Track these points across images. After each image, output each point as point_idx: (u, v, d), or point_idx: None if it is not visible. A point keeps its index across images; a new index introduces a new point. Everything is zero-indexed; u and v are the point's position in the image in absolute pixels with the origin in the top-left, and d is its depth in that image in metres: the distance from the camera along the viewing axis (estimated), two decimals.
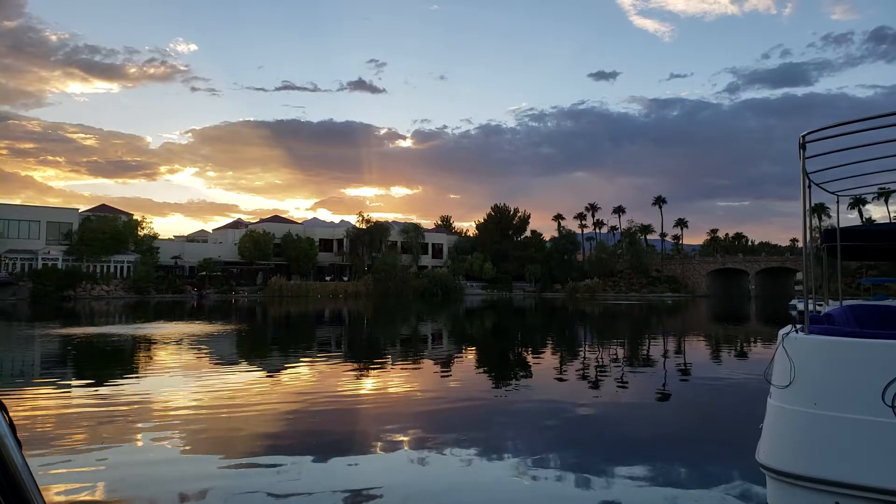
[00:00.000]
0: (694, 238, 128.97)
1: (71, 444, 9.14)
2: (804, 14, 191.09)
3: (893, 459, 3.85)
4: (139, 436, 9.72)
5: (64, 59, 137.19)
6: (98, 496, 6.96)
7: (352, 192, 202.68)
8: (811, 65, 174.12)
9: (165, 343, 24.25)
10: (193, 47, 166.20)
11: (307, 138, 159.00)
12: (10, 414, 1.02)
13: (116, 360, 19.90)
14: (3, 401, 1.00)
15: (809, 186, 5.39)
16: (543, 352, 24.79)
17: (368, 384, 15.23)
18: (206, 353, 21.48)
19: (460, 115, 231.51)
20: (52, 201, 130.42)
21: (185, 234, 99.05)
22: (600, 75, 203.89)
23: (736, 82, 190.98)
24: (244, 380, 15.55)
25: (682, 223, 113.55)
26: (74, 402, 12.61)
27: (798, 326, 4.61)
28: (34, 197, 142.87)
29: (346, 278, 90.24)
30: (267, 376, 16.38)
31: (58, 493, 6.87)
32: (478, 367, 19.74)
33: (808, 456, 4.17)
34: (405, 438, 9.80)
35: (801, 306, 5.74)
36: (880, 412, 3.89)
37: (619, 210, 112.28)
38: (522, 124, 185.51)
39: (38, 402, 12.36)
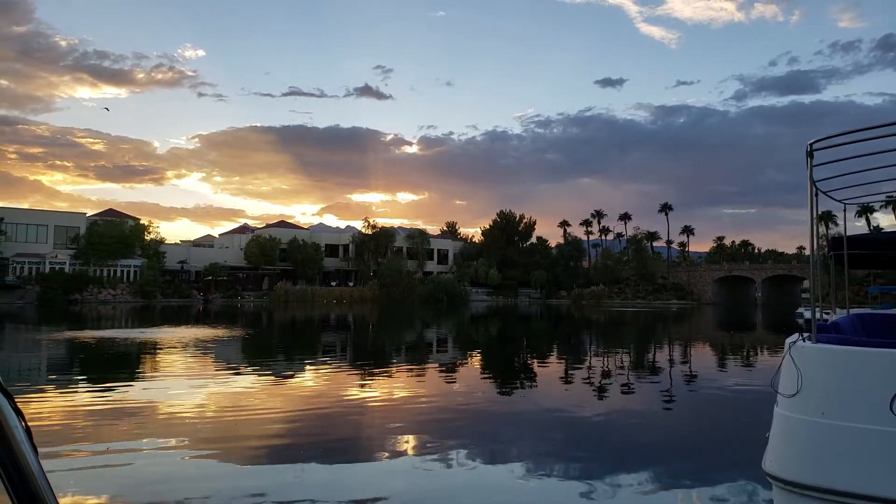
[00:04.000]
0: (700, 245, 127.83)
1: (77, 447, 9.17)
2: (811, 21, 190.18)
3: None
4: (145, 439, 9.73)
5: (73, 65, 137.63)
6: (104, 500, 6.97)
7: (358, 197, 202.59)
8: (819, 72, 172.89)
9: (171, 347, 24.31)
10: (201, 53, 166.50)
11: (314, 144, 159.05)
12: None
13: (123, 364, 19.96)
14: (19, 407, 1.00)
15: (816, 194, 5.37)
16: (549, 359, 24.75)
17: (374, 390, 15.23)
18: (211, 358, 21.53)
19: (466, 121, 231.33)
20: (60, 206, 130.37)
21: (192, 239, 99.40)
22: (607, 82, 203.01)
23: (743, 89, 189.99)
24: (250, 384, 15.57)
25: (688, 230, 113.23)
26: (81, 405, 12.65)
27: (805, 335, 4.59)
28: (42, 201, 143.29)
29: (351, 283, 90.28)
30: (272, 381, 16.39)
31: (65, 497, 6.89)
32: (483, 374, 19.72)
33: (814, 465, 4.16)
34: (410, 444, 9.80)
35: (807, 314, 5.72)
36: (887, 422, 3.87)
37: (625, 217, 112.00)
38: (528, 131, 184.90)
39: (45, 406, 12.40)
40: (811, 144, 4.81)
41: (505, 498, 7.35)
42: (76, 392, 14.33)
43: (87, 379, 16.80)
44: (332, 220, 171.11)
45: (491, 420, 11.89)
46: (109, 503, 6.90)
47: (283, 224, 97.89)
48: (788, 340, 4.63)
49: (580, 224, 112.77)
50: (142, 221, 79.73)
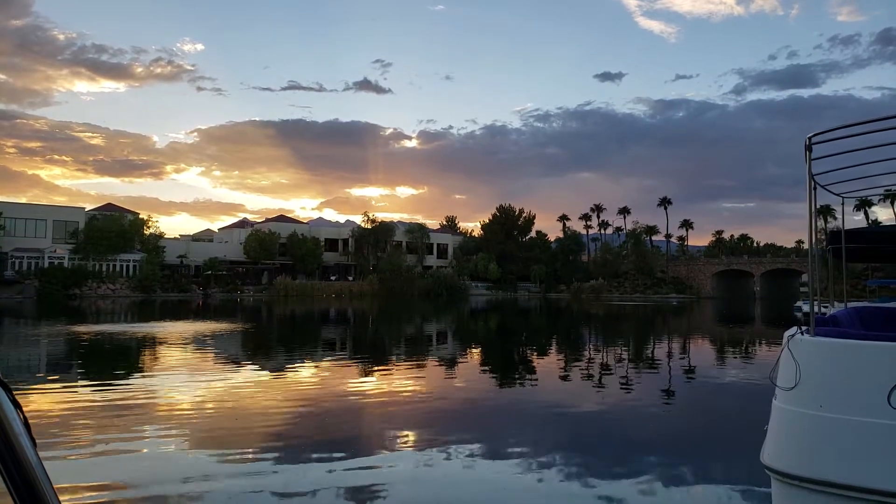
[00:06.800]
0: (699, 239, 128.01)
1: (76, 441, 9.18)
2: (811, 15, 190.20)
3: None
4: (144, 434, 9.75)
5: (71, 59, 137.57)
6: (102, 494, 6.99)
7: (357, 192, 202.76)
8: (818, 66, 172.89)
9: (171, 342, 24.33)
10: (200, 47, 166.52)
11: (313, 138, 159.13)
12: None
13: (122, 359, 19.97)
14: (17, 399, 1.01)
15: (815, 188, 5.37)
16: (548, 353, 24.78)
17: (373, 384, 15.25)
18: (211, 353, 21.54)
19: (466, 115, 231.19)
20: (59, 200, 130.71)
21: (191, 234, 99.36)
22: (606, 76, 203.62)
23: (742, 83, 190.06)
24: (249, 379, 15.60)
25: (687, 224, 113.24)
26: (79, 400, 12.66)
27: (803, 328, 4.61)
28: (41, 196, 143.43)
29: (351, 278, 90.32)
30: (272, 376, 16.42)
31: (62, 491, 6.90)
32: (482, 368, 19.75)
33: (812, 458, 4.17)
34: (410, 438, 9.83)
35: (806, 308, 5.74)
36: (886, 414, 3.89)
37: (624, 211, 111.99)
38: (528, 125, 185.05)
39: (44, 400, 12.41)
40: (810, 138, 4.81)
41: (505, 495, 7.37)
42: (75, 387, 14.33)
43: (86, 374, 16.82)
44: (331, 215, 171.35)
45: (491, 415, 11.92)
46: (109, 497, 6.91)
47: (282, 218, 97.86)
48: (787, 334, 4.64)
49: (579, 218, 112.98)
50: (141, 216, 79.67)
